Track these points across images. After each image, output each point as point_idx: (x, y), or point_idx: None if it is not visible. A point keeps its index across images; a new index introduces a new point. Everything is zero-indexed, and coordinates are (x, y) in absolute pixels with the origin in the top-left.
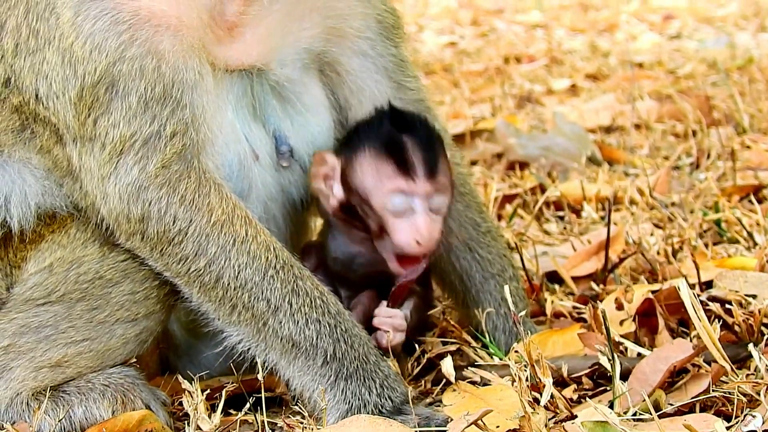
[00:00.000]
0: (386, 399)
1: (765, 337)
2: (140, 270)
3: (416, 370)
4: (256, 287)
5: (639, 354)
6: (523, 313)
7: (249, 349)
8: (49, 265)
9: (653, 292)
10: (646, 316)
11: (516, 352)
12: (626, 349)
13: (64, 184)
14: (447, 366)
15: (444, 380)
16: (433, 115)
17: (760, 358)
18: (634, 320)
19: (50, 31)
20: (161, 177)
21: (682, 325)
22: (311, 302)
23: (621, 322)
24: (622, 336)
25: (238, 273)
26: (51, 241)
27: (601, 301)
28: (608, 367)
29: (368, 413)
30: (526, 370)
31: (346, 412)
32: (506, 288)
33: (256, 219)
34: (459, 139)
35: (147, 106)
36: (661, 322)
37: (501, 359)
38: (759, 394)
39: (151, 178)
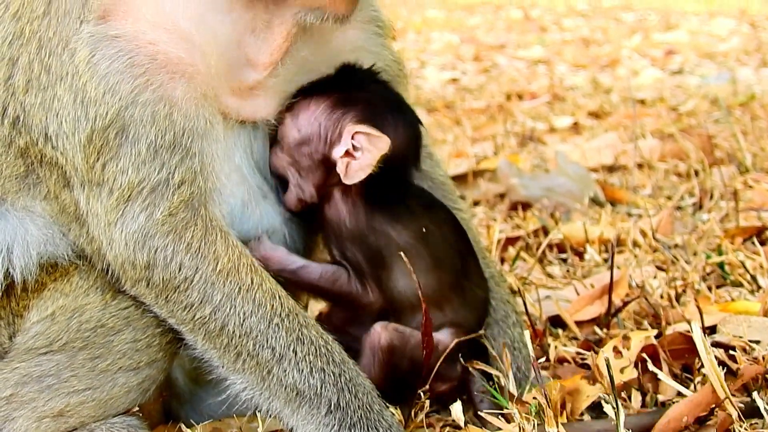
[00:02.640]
0: None
1: None
2: (142, 318)
3: (420, 416)
4: (261, 335)
5: (643, 403)
6: (528, 359)
7: (253, 397)
8: (51, 313)
9: (656, 336)
10: (647, 361)
11: (524, 402)
12: (629, 396)
13: (70, 230)
14: (456, 411)
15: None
16: (436, 160)
17: (765, 408)
18: (636, 367)
19: (63, 67)
20: (168, 225)
21: (686, 371)
22: (316, 351)
23: (622, 370)
24: (624, 382)
25: (243, 321)
26: (53, 289)
27: (604, 345)
28: (612, 415)
29: None
30: (531, 420)
31: None
32: (526, 333)
33: (261, 267)
34: (461, 179)
35: (156, 154)
36: (665, 367)
37: (506, 408)
38: None
39: (158, 225)
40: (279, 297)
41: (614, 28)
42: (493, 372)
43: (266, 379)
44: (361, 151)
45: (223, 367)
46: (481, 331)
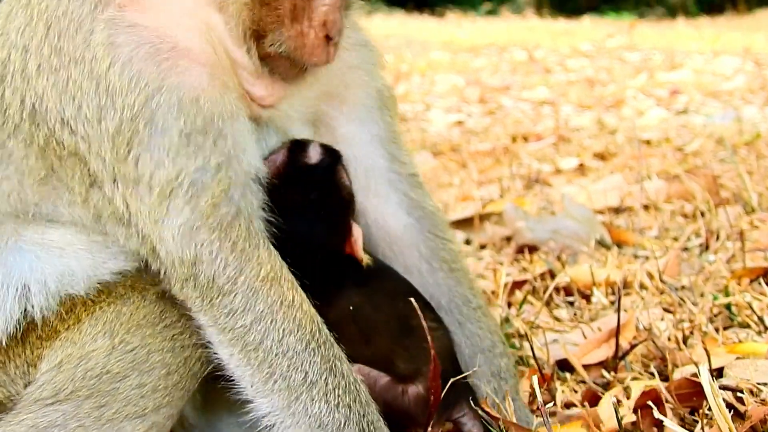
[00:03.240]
0: None
1: None
2: (148, 359)
3: None
4: (296, 356)
5: None
6: (516, 389)
7: (274, 424)
8: (58, 363)
9: (664, 380)
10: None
11: None
12: None
13: (116, 236)
14: None
15: None
16: (424, 189)
17: None
18: (635, 413)
19: (77, 50)
20: (212, 218)
21: (693, 413)
22: (346, 386)
23: (621, 418)
24: (623, 429)
25: (282, 338)
26: (64, 338)
27: (611, 389)
28: None
29: None
30: None
31: None
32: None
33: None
34: (468, 222)
35: (189, 139)
36: (669, 412)
37: None
38: None
39: (204, 217)
40: (317, 322)
41: (619, 68)
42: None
43: (293, 405)
44: None
45: (252, 386)
46: (469, 371)
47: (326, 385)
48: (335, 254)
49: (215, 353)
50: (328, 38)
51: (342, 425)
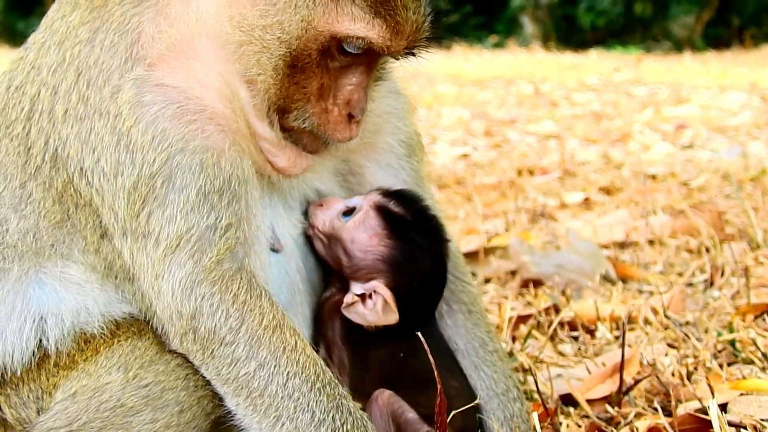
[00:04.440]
0: None
1: None
2: (162, 397)
3: None
4: (303, 398)
5: None
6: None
7: None
8: (73, 393)
9: (667, 415)
10: None
11: None
12: None
13: (124, 291)
14: None
15: None
16: (448, 230)
17: None
18: None
19: (102, 103)
20: (215, 273)
21: None
22: (353, 421)
23: None
24: None
25: (287, 381)
26: (81, 369)
27: (616, 425)
28: None
29: None
30: None
31: None
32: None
33: (301, 333)
34: (473, 256)
35: (206, 199)
36: None
37: None
38: None
39: (206, 272)
40: (320, 364)
41: (625, 102)
42: None
43: None
44: (373, 309)
45: (261, 431)
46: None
47: (334, 422)
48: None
49: (224, 404)
50: (350, 116)
51: None
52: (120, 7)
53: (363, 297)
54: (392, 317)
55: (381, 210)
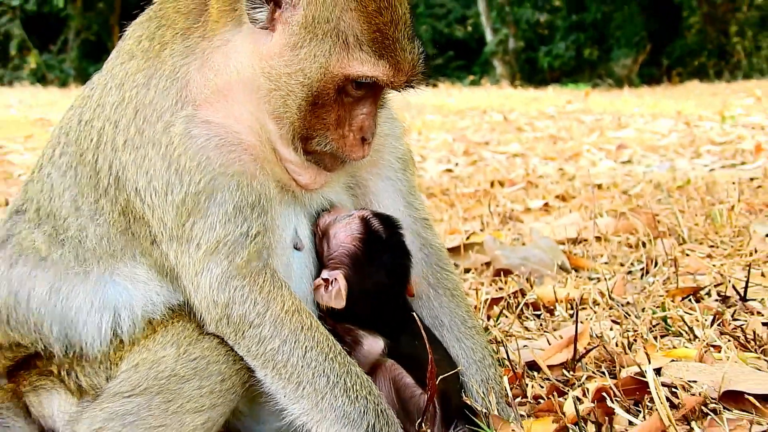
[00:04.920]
0: None
1: (708, 417)
2: (207, 368)
3: None
4: (319, 366)
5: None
6: (502, 393)
7: (307, 423)
8: (135, 364)
9: (613, 377)
10: (603, 400)
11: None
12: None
13: (171, 286)
14: None
15: None
16: (434, 231)
17: None
18: (593, 401)
19: (155, 134)
20: (245, 270)
21: (636, 405)
22: (361, 383)
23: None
24: (582, 417)
25: (306, 353)
26: (142, 345)
27: (571, 386)
28: None
29: None
30: None
31: None
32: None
33: (315, 315)
34: (455, 250)
35: (240, 212)
36: (616, 407)
37: None
38: None
39: (238, 269)
40: (331, 340)
41: (576, 127)
42: (478, 406)
43: (320, 403)
44: (328, 293)
45: (285, 396)
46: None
47: (345, 384)
48: (403, 294)
49: (256, 376)
50: (363, 139)
51: (362, 412)
52: (171, 59)
53: (327, 282)
54: (339, 303)
55: (364, 221)
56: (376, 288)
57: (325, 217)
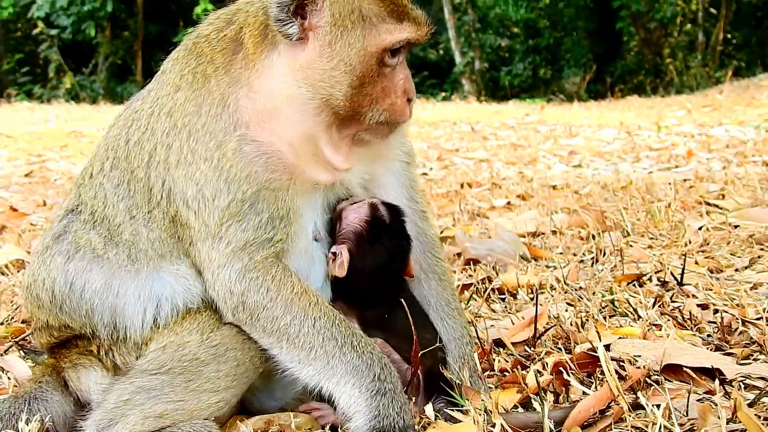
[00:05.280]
0: (401, 418)
1: (651, 388)
2: (225, 354)
3: None
4: (327, 331)
5: (556, 401)
6: (474, 368)
7: (320, 382)
8: (163, 346)
9: (568, 353)
10: (560, 373)
11: (481, 401)
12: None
13: (201, 282)
14: (428, 411)
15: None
16: (429, 222)
17: (646, 402)
18: (551, 374)
19: (207, 151)
20: (262, 264)
21: (589, 377)
22: (365, 343)
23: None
24: (542, 388)
25: (315, 323)
26: (170, 329)
27: (532, 360)
28: (539, 408)
29: (389, 424)
30: (481, 414)
31: (376, 419)
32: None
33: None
34: None
35: (271, 221)
36: (572, 379)
37: (464, 407)
38: (647, 428)
39: (256, 264)
40: (335, 312)
41: (533, 136)
42: (454, 378)
43: (331, 361)
44: (334, 263)
45: (300, 362)
46: (438, 345)
47: (351, 342)
48: (401, 275)
49: (270, 354)
50: (408, 100)
51: (369, 364)
52: (218, 89)
53: (334, 255)
54: (342, 272)
55: (372, 206)
56: (375, 263)
57: (342, 203)
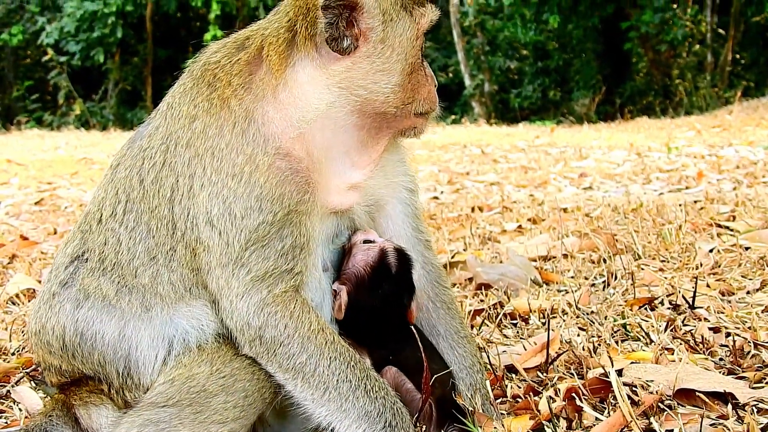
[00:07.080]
0: None
1: (664, 413)
2: (233, 385)
3: None
4: (342, 373)
5: (569, 427)
6: (487, 395)
7: (332, 423)
8: (171, 379)
9: (581, 378)
10: (573, 398)
11: (494, 428)
12: (559, 424)
13: (215, 318)
14: None
15: None
16: (434, 251)
17: (659, 428)
18: (564, 400)
19: (235, 167)
20: (280, 298)
21: (601, 403)
22: (379, 386)
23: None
24: (555, 414)
25: (330, 363)
26: (178, 362)
27: (544, 386)
28: None
29: None
30: None
31: None
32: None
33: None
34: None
35: (292, 250)
36: (584, 404)
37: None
38: None
39: (275, 297)
40: (351, 351)
41: (544, 158)
42: (466, 405)
43: (344, 405)
44: (333, 303)
45: (313, 402)
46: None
47: (365, 386)
48: (403, 319)
49: (285, 390)
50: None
51: (381, 411)
52: (241, 107)
53: (335, 294)
54: (339, 315)
55: (382, 252)
56: (372, 310)
57: (357, 235)
